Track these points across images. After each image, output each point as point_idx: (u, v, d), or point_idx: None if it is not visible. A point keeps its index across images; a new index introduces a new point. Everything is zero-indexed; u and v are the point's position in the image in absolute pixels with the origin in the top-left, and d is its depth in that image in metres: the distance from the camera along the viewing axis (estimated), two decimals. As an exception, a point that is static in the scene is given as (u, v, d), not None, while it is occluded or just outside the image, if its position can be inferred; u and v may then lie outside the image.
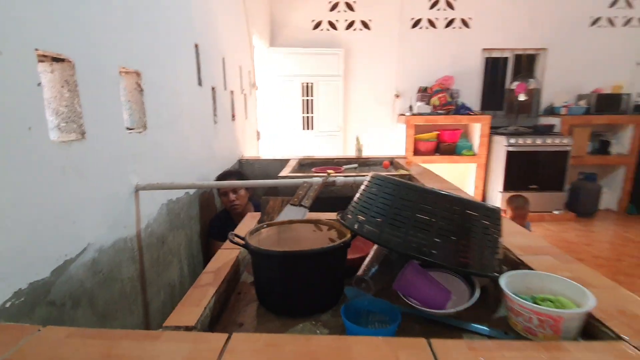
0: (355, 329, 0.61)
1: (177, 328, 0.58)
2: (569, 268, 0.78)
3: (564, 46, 4.15)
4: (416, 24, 4.11)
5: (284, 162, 2.51)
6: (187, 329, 0.58)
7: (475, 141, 4.04)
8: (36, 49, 0.76)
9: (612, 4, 4.08)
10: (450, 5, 4.06)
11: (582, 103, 4.07)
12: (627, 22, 4.11)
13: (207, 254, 1.79)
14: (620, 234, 3.57)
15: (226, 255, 0.87)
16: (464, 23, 4.11)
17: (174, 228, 1.45)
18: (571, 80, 4.21)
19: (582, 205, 3.99)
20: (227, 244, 0.92)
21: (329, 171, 1.36)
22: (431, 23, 4.11)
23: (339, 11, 4.07)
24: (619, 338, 0.56)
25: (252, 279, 0.87)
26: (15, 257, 0.70)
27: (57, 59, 0.84)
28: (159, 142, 1.31)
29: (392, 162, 2.45)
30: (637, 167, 4.05)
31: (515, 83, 4.00)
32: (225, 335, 0.54)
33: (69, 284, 0.85)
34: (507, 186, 3.87)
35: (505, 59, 4.32)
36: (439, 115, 3.93)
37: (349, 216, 0.81)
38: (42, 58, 0.81)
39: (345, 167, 2.37)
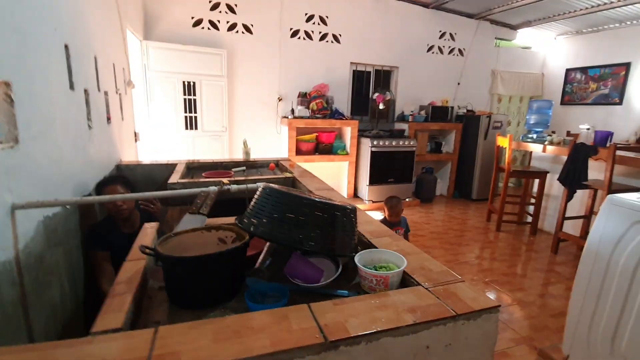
0: (256, 307, 0.82)
1: (105, 332, 0.68)
2: (397, 244, 1.15)
3: (410, 66, 5.15)
4: (295, 33, 4.46)
5: (169, 166, 2.48)
6: (115, 330, 0.69)
7: (348, 142, 4.67)
8: None
9: (441, 36, 5.27)
10: (323, 21, 4.55)
11: (423, 112, 5.15)
12: (451, 51, 5.37)
13: (89, 268, 1.69)
14: (448, 213, 4.72)
15: (133, 266, 0.95)
16: (335, 38, 4.67)
17: (51, 245, 1.36)
18: (415, 94, 5.27)
19: (424, 193, 5.09)
20: (135, 255, 0.99)
21: (223, 180, 1.50)
22: (307, 35, 4.52)
23: (220, 12, 4.08)
24: (419, 284, 0.92)
25: (158, 285, 0.98)
26: None
27: None
28: (31, 155, 1.22)
29: (277, 164, 2.70)
30: (458, 162, 5.38)
31: (376, 94, 4.77)
32: (153, 329, 0.68)
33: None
34: (372, 180, 4.63)
35: (369, 72, 5.09)
36: (316, 119, 4.38)
37: (245, 220, 1.01)
38: None
39: (234, 170, 2.50)
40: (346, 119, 4.59)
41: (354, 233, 1.06)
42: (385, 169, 4.69)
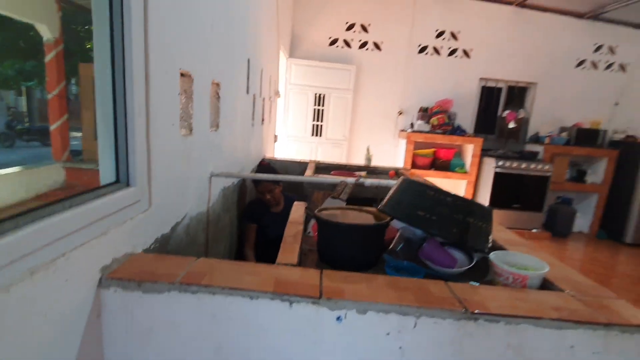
0: (395, 274, 0.93)
1: (286, 264, 0.90)
2: (535, 254, 1.12)
3: (552, 82, 4.62)
4: (423, 49, 4.52)
5: (301, 164, 2.83)
6: (292, 265, 0.90)
7: (468, 160, 4.45)
8: (179, 68, 1.07)
9: (597, 49, 4.58)
10: (454, 37, 4.49)
11: (564, 135, 4.53)
12: (609, 66, 4.62)
13: (240, 235, 2.09)
14: (589, 254, 4.00)
15: (294, 227, 1.19)
16: (465, 53, 4.54)
17: (225, 210, 1.75)
18: (556, 113, 4.68)
19: (558, 226, 4.43)
20: (296, 218, 1.24)
21: (360, 174, 1.68)
22: (436, 50, 4.53)
23: (354, 31, 4.45)
24: (562, 290, 0.90)
25: (308, 248, 1.18)
26: (158, 216, 1.01)
27: (182, 74, 1.15)
28: (223, 139, 1.62)
29: (397, 172, 2.80)
30: (609, 196, 4.52)
31: (507, 111, 4.43)
32: (319, 270, 0.86)
33: (176, 239, 1.15)
34: (493, 202, 4.28)
35: (500, 88, 4.76)
36: (436, 134, 4.32)
37: (387, 206, 1.14)
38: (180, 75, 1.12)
39: (357, 173, 2.71)
40: (469, 136, 4.39)
41: (489, 232, 1.08)
42: (510, 193, 4.29)
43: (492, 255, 1.01)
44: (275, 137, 3.64)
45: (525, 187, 4.28)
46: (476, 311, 0.74)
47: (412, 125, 4.50)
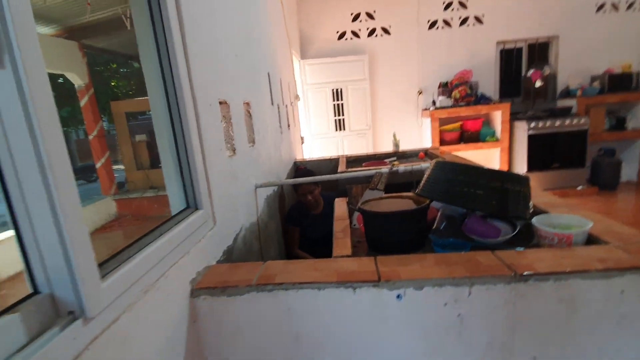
0: (443, 251, 1.01)
1: (342, 257, 1.00)
2: (577, 212, 1.15)
3: (574, 32, 4.39)
4: (432, 25, 4.45)
5: (332, 161, 2.93)
6: (347, 256, 1.00)
7: (497, 127, 4.34)
8: (218, 98, 1.20)
9: (618, -12, 4.30)
10: (463, 5, 4.39)
11: (596, 84, 4.30)
12: (630, 6, 4.32)
13: (285, 237, 2.22)
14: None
15: (341, 223, 1.29)
16: (477, 19, 4.42)
17: (270, 217, 1.88)
18: (583, 64, 4.45)
19: (604, 179, 4.23)
20: (340, 214, 1.34)
21: (393, 162, 1.76)
22: (446, 23, 4.44)
23: (360, 21, 4.46)
24: (607, 243, 0.94)
25: (356, 240, 1.28)
26: (222, 231, 1.14)
27: (221, 102, 1.28)
28: (260, 152, 1.75)
29: (427, 153, 2.83)
30: (656, 139, 4.25)
31: (531, 71, 4.28)
32: (372, 257, 0.96)
33: (237, 249, 1.29)
34: (531, 167, 4.16)
35: (520, 48, 4.59)
36: (460, 107, 4.25)
37: (424, 190, 1.21)
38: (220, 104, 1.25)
39: (387, 160, 2.76)
40: (494, 103, 4.28)
41: (528, 199, 1.13)
42: (547, 153, 4.15)
43: (535, 220, 1.05)
44: (302, 138, 3.76)
45: (562, 145, 4.13)
46: (525, 273, 0.80)
47: (433, 102, 4.46)
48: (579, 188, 4.19)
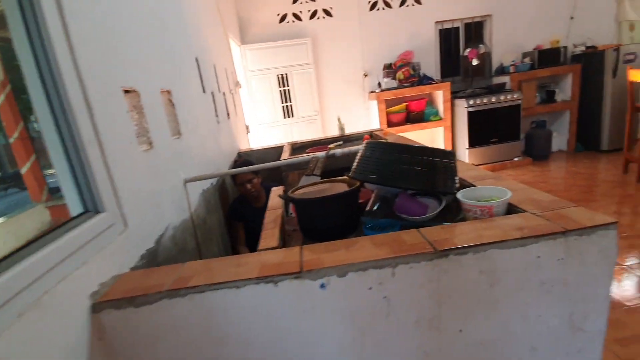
0: (373, 233, 0.99)
1: (267, 249, 0.94)
2: (501, 184, 1.19)
3: (506, 11, 4.61)
4: (373, 6, 4.44)
5: (277, 149, 2.84)
6: (273, 249, 0.95)
7: (440, 107, 4.49)
8: (121, 87, 1.07)
9: (542, -33, 4.56)
10: (401, -15, 4.42)
11: (527, 60, 4.58)
12: (557, -18, 4.61)
13: (229, 233, 2.13)
14: (570, 169, 4.16)
15: (273, 213, 1.23)
16: (416, 0, 4.48)
17: (209, 212, 1.78)
18: (515, 41, 4.71)
19: (537, 150, 4.57)
20: (274, 204, 1.27)
21: (330, 146, 1.72)
22: (386, 4, 4.45)
23: (301, 2, 4.34)
24: (525, 211, 0.96)
25: (292, 228, 1.23)
26: (138, 233, 1.03)
27: (127, 91, 1.15)
28: (189, 144, 1.62)
29: (372, 135, 2.83)
30: (580, 110, 4.64)
31: (468, 50, 4.44)
32: (299, 247, 0.91)
33: (164, 251, 1.19)
34: (472, 142, 4.37)
35: (457, 28, 4.74)
36: (404, 88, 4.33)
37: (355, 172, 1.18)
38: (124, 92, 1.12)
39: (331, 145, 2.73)
40: (436, 83, 4.41)
41: (454, 174, 1.13)
42: (486, 129, 4.37)
43: (460, 194, 1.06)
44: (247, 127, 3.62)
45: (499, 120, 4.37)
46: (444, 248, 0.80)
47: (379, 84, 4.49)
48: (516, 159, 4.48)
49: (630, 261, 2.23)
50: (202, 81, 2.00)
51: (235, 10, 4.20)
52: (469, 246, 0.80)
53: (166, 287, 0.78)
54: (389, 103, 4.39)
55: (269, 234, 1.02)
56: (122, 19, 1.14)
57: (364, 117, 4.73)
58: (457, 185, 1.14)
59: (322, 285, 0.79)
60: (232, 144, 2.73)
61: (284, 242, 1.12)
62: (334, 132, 4.58)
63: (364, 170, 1.14)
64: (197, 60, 1.97)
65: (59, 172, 0.86)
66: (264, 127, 4.42)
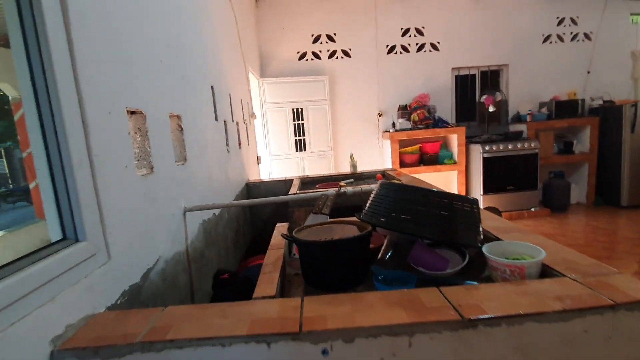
0: (385, 288, 0.86)
1: (263, 298, 0.82)
2: (529, 239, 1.06)
3: (522, 61, 4.66)
4: (391, 49, 4.54)
5: (287, 182, 2.77)
6: (270, 297, 0.82)
7: (454, 150, 4.42)
8: (126, 107, 1.01)
9: (559, 23, 4.65)
10: (420, 32, 4.53)
11: (544, 110, 4.54)
12: (574, 37, 4.68)
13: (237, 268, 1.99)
14: (590, 224, 3.96)
15: (274, 253, 1.11)
16: (433, 47, 4.57)
17: (208, 244, 1.67)
18: (532, 90, 4.71)
19: (555, 201, 4.39)
20: (276, 243, 1.16)
21: (341, 183, 1.62)
22: (404, 48, 4.55)
23: (321, 42, 4.47)
24: (563, 275, 0.83)
25: (294, 272, 1.11)
26: (122, 266, 0.93)
27: (132, 112, 1.09)
28: (194, 172, 1.55)
29: (384, 175, 2.74)
30: (599, 163, 4.51)
31: (484, 96, 4.44)
32: (299, 298, 0.79)
33: (150, 287, 1.07)
34: (486, 189, 4.24)
35: (473, 75, 4.79)
36: (419, 129, 4.30)
37: (367, 214, 1.08)
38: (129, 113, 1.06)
39: (342, 182, 2.64)
40: (451, 127, 4.38)
41: (477, 224, 1.02)
42: (502, 176, 4.25)
43: (486, 248, 0.94)
44: (258, 158, 3.58)
45: (515, 167, 4.26)
46: (473, 317, 0.67)
47: (393, 124, 4.48)
48: (533, 209, 4.30)
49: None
50: (215, 109, 1.98)
51: (258, 45, 4.34)
52: (503, 317, 0.67)
53: (139, 338, 0.67)
54: (403, 143, 4.34)
55: (267, 279, 0.90)
56: (136, 40, 1.11)
57: (377, 155, 4.68)
58: (481, 237, 1.02)
59: (325, 352, 0.66)
60: (241, 174, 2.66)
61: (283, 288, 1.00)
62: (346, 168, 4.53)
63: (375, 213, 1.03)
64: (212, 88, 1.96)
65: (43, 192, 0.78)
66: (275, 159, 4.39)
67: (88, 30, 0.85)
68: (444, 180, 4.56)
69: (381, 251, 1.09)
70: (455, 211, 0.98)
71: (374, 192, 1.12)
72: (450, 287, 0.80)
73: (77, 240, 0.78)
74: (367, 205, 1.11)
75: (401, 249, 1.09)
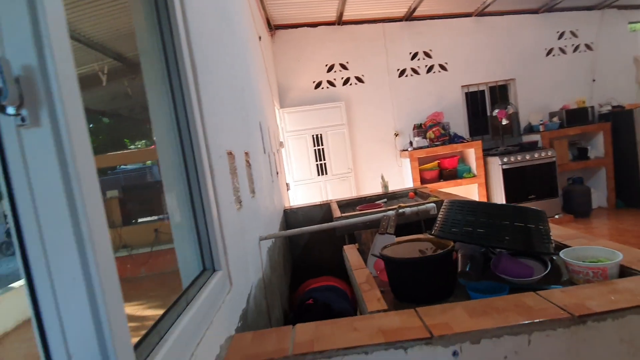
0: (479, 296, 0.95)
1: (377, 311, 0.92)
2: (597, 243, 1.15)
3: (529, 75, 4.85)
4: (402, 73, 4.76)
5: (322, 206, 2.88)
6: (384, 311, 0.92)
7: (472, 164, 4.54)
8: (226, 149, 1.14)
9: (560, 36, 4.87)
10: (428, 55, 4.76)
11: (555, 119, 4.68)
12: (576, 48, 4.89)
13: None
14: (617, 227, 4.00)
15: (362, 272, 1.21)
16: (442, 67, 4.79)
17: (273, 270, 1.76)
18: (540, 101, 4.87)
19: (578, 207, 4.45)
20: (356, 263, 1.26)
21: (400, 204, 1.73)
22: (414, 71, 4.77)
23: (335, 71, 4.70)
24: (642, 274, 0.92)
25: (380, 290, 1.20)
26: (238, 293, 1.03)
27: (228, 153, 1.22)
28: (259, 203, 1.67)
29: (417, 192, 2.85)
30: (615, 166, 4.60)
31: (496, 110, 4.60)
32: (413, 309, 0.88)
33: (250, 312, 1.16)
34: (509, 199, 4.32)
35: (482, 91, 4.98)
36: (436, 146, 4.44)
37: (442, 231, 1.18)
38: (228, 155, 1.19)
39: (380, 202, 2.75)
40: (467, 141, 4.51)
41: (549, 233, 1.12)
42: (522, 185, 4.34)
43: (563, 254, 1.03)
44: (287, 185, 3.71)
45: (534, 176, 4.35)
46: (582, 314, 0.76)
47: (410, 143, 4.62)
48: (557, 216, 4.36)
49: None
50: (263, 142, 2.12)
51: (276, 78, 4.57)
52: (608, 311, 0.76)
53: (290, 352, 0.76)
54: (421, 161, 4.47)
55: (372, 296, 1.00)
56: (222, 87, 1.26)
57: (397, 174, 4.80)
58: (553, 245, 1.11)
59: (455, 353, 0.75)
60: (280, 201, 2.78)
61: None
62: (368, 189, 4.65)
63: (450, 229, 1.13)
64: (260, 124, 2.11)
65: (177, 231, 0.90)
66: (298, 184, 4.52)
67: (204, 82, 1.00)
68: (465, 193, 4.65)
69: (460, 265, 1.19)
70: (529, 222, 1.08)
71: (442, 210, 1.22)
72: (546, 291, 0.89)
73: (214, 270, 0.88)
74: (439, 222, 1.22)
75: (477, 261, 1.19)
